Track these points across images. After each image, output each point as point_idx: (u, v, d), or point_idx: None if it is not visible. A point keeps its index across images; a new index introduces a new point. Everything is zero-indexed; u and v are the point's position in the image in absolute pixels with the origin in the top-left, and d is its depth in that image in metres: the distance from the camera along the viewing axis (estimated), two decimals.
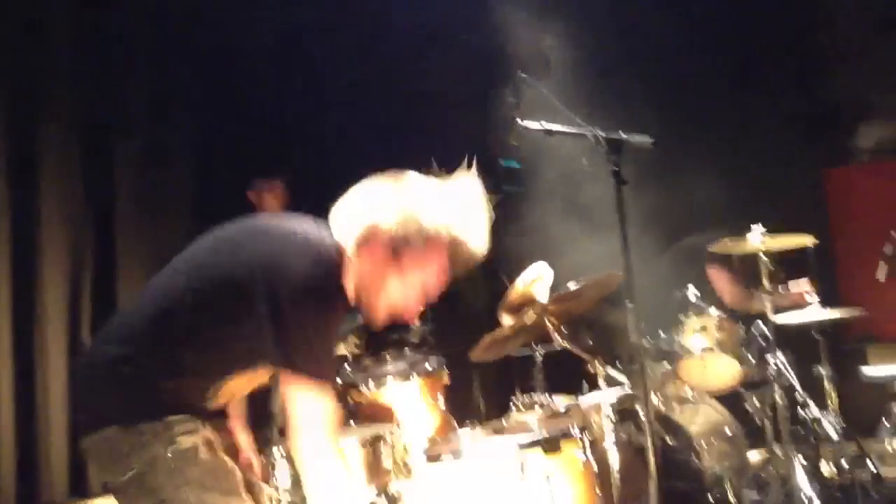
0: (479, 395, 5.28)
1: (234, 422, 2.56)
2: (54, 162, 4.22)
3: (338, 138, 5.93)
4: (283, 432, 3.54)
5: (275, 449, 3.12)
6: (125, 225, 4.58)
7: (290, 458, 3.08)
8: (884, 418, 4.78)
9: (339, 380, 3.67)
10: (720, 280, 4.95)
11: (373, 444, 3.17)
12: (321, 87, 5.89)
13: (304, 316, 1.90)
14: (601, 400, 3.20)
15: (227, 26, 5.23)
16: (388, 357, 3.83)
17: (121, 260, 4.52)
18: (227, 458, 2.08)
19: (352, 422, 3.53)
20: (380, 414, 3.52)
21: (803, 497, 3.70)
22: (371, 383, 3.58)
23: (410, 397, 3.55)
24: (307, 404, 1.92)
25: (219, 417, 2.19)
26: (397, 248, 2.03)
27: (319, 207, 2.32)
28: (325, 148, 5.87)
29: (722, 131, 6.23)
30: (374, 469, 3.16)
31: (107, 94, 4.64)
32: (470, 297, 5.89)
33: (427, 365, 3.67)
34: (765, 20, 6.52)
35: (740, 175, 5.93)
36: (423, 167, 2.40)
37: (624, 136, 2.86)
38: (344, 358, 3.94)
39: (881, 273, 4.30)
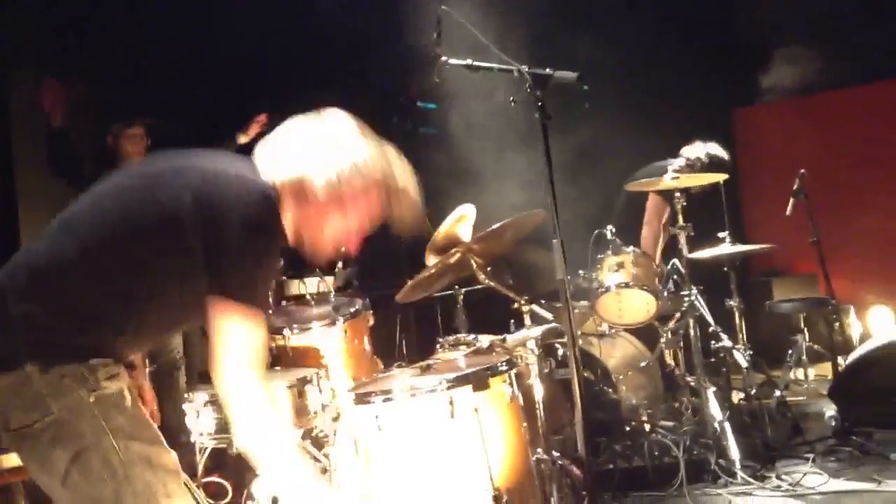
0: (403, 336, 5.30)
1: (139, 373, 2.47)
2: None
3: (235, 76, 5.72)
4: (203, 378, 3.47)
5: (197, 395, 3.06)
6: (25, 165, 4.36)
7: (215, 403, 3.03)
8: (789, 349, 5.05)
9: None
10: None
11: (299, 387, 3.15)
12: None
13: (248, 249, 1.87)
14: (527, 336, 3.24)
15: None
16: (311, 301, 3.78)
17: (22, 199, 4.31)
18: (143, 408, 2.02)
19: (277, 367, 3.47)
20: (305, 358, 3.48)
21: (715, 424, 3.86)
22: (295, 328, 3.52)
23: (336, 340, 3.51)
24: (238, 335, 1.87)
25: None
26: (333, 189, 2.04)
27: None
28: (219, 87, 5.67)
29: (638, 71, 6.32)
30: (301, 412, 3.15)
31: None
32: (393, 237, 5.85)
33: (352, 308, 3.63)
34: None
35: (654, 114, 6.04)
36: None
37: (549, 71, 2.85)
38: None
39: (791, 209, 4.46)
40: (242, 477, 3.18)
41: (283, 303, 3.95)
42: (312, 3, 5.89)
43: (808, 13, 6.36)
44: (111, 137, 4.57)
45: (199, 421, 3.08)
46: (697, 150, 4.87)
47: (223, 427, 3.04)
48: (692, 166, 4.75)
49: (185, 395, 3.17)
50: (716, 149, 4.88)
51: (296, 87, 5.79)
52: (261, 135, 2.53)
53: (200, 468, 3.14)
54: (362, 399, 2.79)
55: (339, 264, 4.00)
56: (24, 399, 1.83)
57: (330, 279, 4.37)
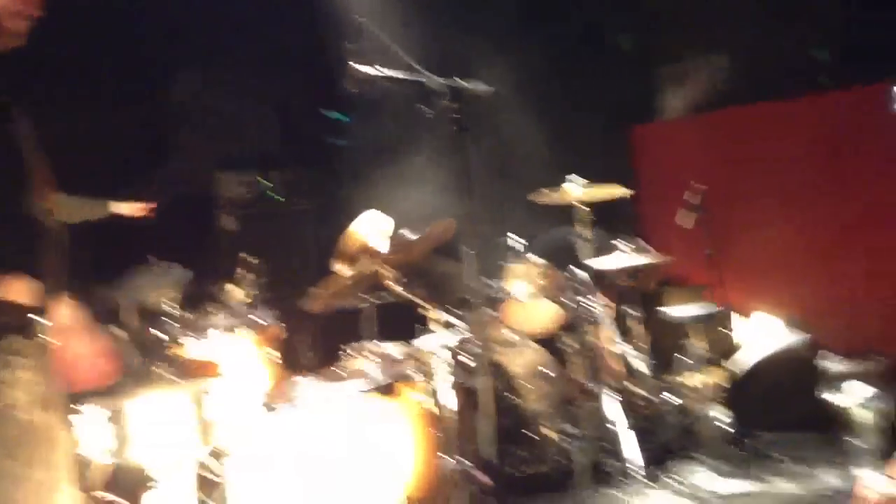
0: (311, 345, 5.24)
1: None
2: None
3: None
4: None
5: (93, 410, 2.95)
6: None
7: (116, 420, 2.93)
8: (683, 355, 5.24)
9: (162, 335, 3.51)
10: None
11: (199, 397, 3.08)
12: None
13: None
14: (437, 344, 3.27)
15: None
16: (212, 311, 3.70)
17: None
18: None
19: (175, 378, 3.38)
20: (204, 368, 3.40)
21: (615, 428, 3.99)
22: (196, 336, 3.44)
23: (240, 350, 3.45)
24: None
25: None
26: None
27: None
28: None
29: (542, 87, 6.47)
30: (202, 423, 3.07)
31: None
32: (303, 250, 5.80)
33: (258, 317, 3.57)
34: None
35: (558, 127, 6.19)
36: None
37: (464, 83, 2.90)
38: (165, 313, 3.77)
39: (681, 219, 4.65)
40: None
41: (184, 313, 3.84)
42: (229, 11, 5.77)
43: (704, 34, 6.66)
44: None
45: (95, 437, 2.96)
46: None
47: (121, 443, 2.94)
48: None
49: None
50: None
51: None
52: None
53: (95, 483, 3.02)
54: (270, 407, 2.76)
55: (248, 274, 3.92)
56: None
57: (234, 288, 4.29)
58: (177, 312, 3.81)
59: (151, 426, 2.89)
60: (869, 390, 4.32)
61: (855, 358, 4.82)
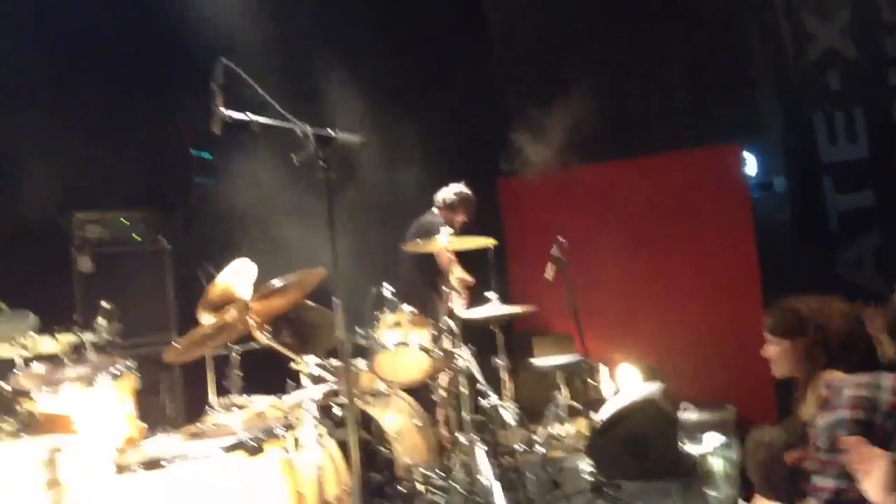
0: (171, 398, 5.00)
1: None
2: None
3: None
4: None
5: None
6: None
7: None
8: (549, 407, 5.36)
9: (8, 386, 3.25)
10: None
11: (50, 456, 2.86)
12: None
13: None
14: (305, 397, 3.19)
15: None
16: (66, 360, 3.47)
17: None
18: None
19: (23, 433, 3.13)
20: (56, 423, 3.16)
21: (483, 480, 4.00)
22: (47, 390, 3.21)
23: (94, 404, 3.23)
24: None
25: None
26: None
27: None
28: None
29: (415, 142, 6.57)
30: (52, 484, 2.85)
31: None
32: (162, 294, 5.56)
33: (113, 367, 3.37)
34: (452, 43, 7.05)
35: (429, 179, 6.27)
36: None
37: (333, 133, 2.89)
38: (13, 362, 3.51)
39: (549, 272, 4.79)
40: None
41: (33, 362, 3.57)
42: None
43: (563, 91, 6.98)
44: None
45: None
46: (445, 191, 5.61)
47: None
48: (449, 206, 5.52)
49: None
50: (460, 187, 5.65)
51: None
52: None
53: None
54: (125, 468, 2.59)
55: (102, 320, 3.70)
56: None
57: (88, 336, 4.04)
58: (27, 362, 3.55)
59: None
60: (720, 439, 4.56)
61: (708, 407, 5.08)
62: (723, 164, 6.57)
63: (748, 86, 7.59)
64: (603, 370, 5.98)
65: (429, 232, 4.99)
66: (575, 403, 5.59)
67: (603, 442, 4.65)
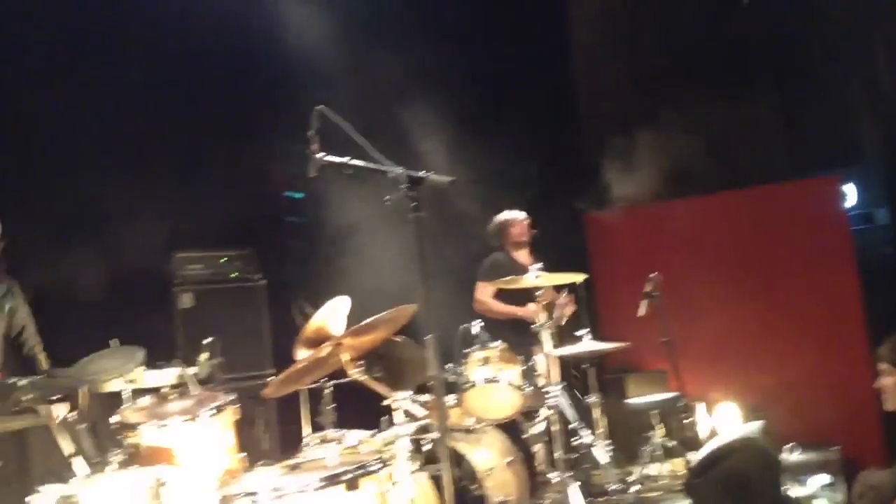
0: (266, 432, 5.12)
1: None
2: None
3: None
4: None
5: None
6: None
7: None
8: (644, 446, 5.26)
9: (115, 419, 3.40)
10: None
11: (156, 489, 2.97)
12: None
13: None
14: (398, 433, 3.22)
15: None
16: (170, 394, 3.61)
17: None
18: None
19: (130, 465, 3.27)
20: (161, 456, 3.28)
21: None
22: (153, 424, 3.34)
23: (197, 437, 3.34)
24: None
25: None
26: None
27: None
28: None
29: (495, 175, 6.62)
30: None
31: None
32: (258, 329, 5.73)
33: (215, 401, 3.48)
34: (537, 80, 7.12)
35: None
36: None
37: (424, 174, 2.95)
38: (120, 396, 3.67)
39: (643, 309, 4.72)
40: None
41: (139, 396, 3.73)
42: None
43: (651, 127, 6.92)
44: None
45: None
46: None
47: None
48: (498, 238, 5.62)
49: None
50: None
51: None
52: None
53: None
54: (228, 501, 2.67)
55: (204, 355, 3.84)
56: None
57: (191, 370, 4.20)
58: (134, 396, 3.71)
59: None
60: (825, 480, 4.36)
61: (811, 447, 4.87)
62: (820, 196, 6.38)
63: (845, 115, 7.35)
64: (700, 409, 5.82)
65: (499, 269, 5.09)
66: (671, 442, 5.45)
67: (701, 482, 4.50)
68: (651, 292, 4.74)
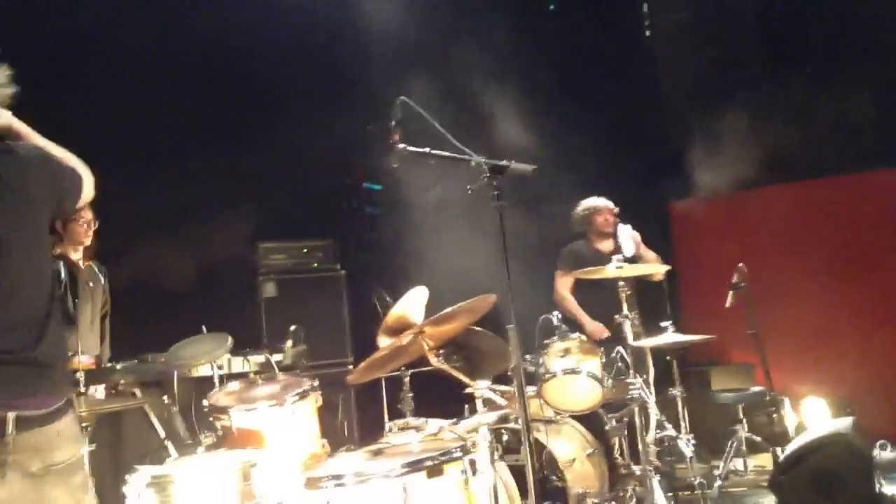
0: (346, 418, 5.22)
1: None
2: None
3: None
4: None
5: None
6: None
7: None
8: (729, 440, 5.14)
9: (207, 403, 3.51)
10: None
11: (245, 470, 3.06)
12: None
13: None
14: (480, 422, 3.23)
15: None
16: (258, 380, 3.71)
17: None
18: None
19: (220, 447, 3.37)
20: (250, 439, 3.38)
21: None
22: (241, 408, 3.44)
23: (283, 421, 3.43)
24: None
25: None
26: None
27: None
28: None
29: (576, 162, 6.55)
30: (246, 496, 3.04)
31: None
32: (338, 317, 5.84)
33: (300, 387, 3.56)
34: (619, 73, 7.00)
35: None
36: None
37: (507, 162, 2.94)
38: (211, 381, 3.80)
39: (730, 300, 4.60)
40: None
41: (229, 381, 3.85)
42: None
43: (740, 112, 6.72)
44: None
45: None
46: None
47: None
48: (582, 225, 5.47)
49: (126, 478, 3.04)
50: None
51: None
52: None
53: None
54: (313, 484, 2.73)
55: (289, 342, 3.93)
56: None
57: (276, 356, 4.31)
58: (222, 380, 3.83)
59: (196, 495, 2.88)
60: None
61: None
62: None
63: None
64: (787, 403, 5.66)
65: (577, 258, 5.07)
66: (756, 437, 5.32)
67: (788, 478, 4.37)
68: (738, 283, 4.60)
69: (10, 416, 2.04)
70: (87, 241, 4.49)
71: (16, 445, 2.04)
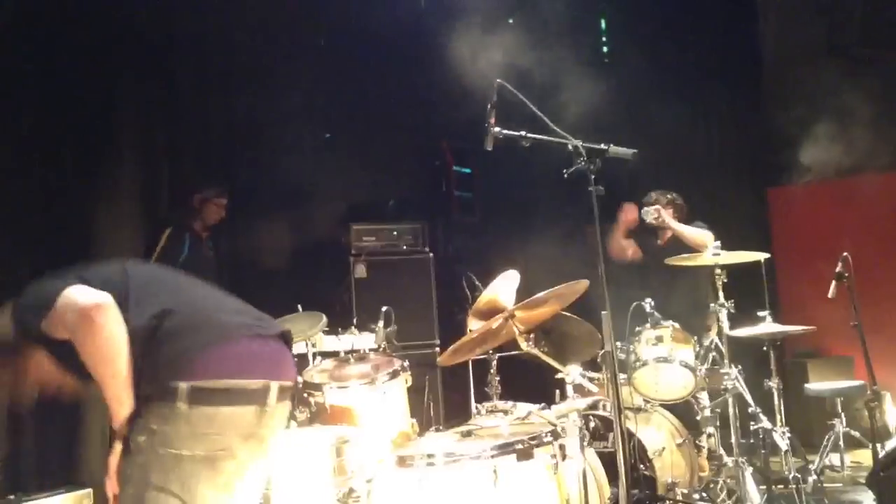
0: (433, 399, 5.28)
1: None
2: None
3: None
4: None
5: None
6: None
7: None
8: (826, 434, 4.98)
9: (301, 379, 3.61)
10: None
11: (339, 445, 3.13)
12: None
13: None
14: (571, 407, 3.22)
15: None
16: (350, 358, 3.79)
17: None
18: None
19: (314, 423, 3.47)
20: (342, 416, 3.47)
21: None
22: (334, 385, 3.52)
23: (374, 399, 3.50)
24: None
25: None
26: None
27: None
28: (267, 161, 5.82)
29: (673, 149, 6.41)
30: (339, 471, 3.11)
31: None
32: (427, 299, 5.91)
33: (391, 367, 3.62)
34: (717, 55, 6.80)
35: (689, 190, 6.08)
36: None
37: (606, 146, 2.90)
38: (305, 358, 3.90)
39: (833, 291, 4.42)
40: None
41: (322, 359, 3.95)
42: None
43: (843, 97, 6.44)
44: (199, 199, 5.12)
45: None
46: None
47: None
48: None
49: None
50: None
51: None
52: None
53: None
54: (404, 462, 2.77)
55: (380, 323, 4.00)
56: None
57: (366, 336, 4.39)
58: (314, 358, 3.93)
59: (291, 469, 2.97)
60: None
61: None
62: None
63: None
64: (889, 398, 5.43)
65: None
66: (855, 432, 5.13)
67: (889, 475, 4.20)
68: (842, 273, 4.41)
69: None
70: (215, 222, 5.10)
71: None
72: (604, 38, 6.84)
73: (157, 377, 2.07)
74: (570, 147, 2.91)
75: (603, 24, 6.97)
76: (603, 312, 2.82)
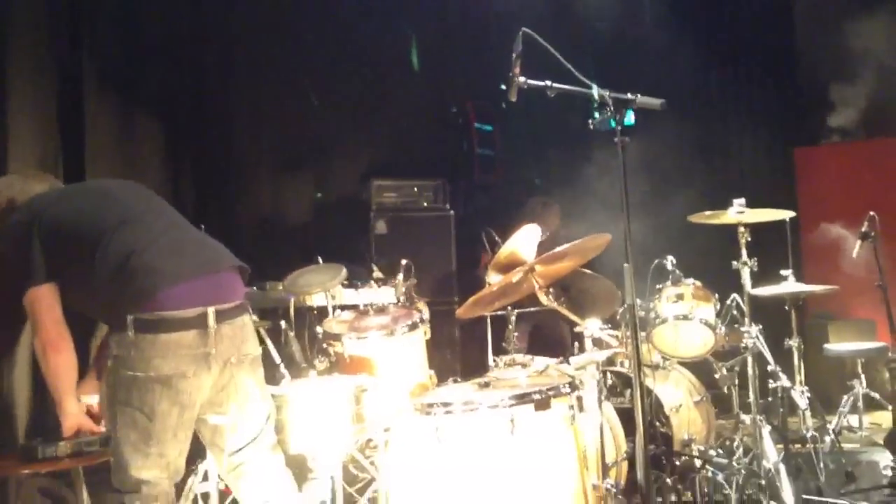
0: (451, 353, 5.31)
1: None
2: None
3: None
4: None
5: None
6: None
7: None
8: (845, 394, 4.96)
9: (321, 330, 3.64)
10: None
11: (357, 394, 3.16)
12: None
13: None
14: (590, 359, 3.22)
15: None
16: (370, 310, 3.80)
17: None
18: None
19: (334, 372, 3.50)
20: (361, 366, 3.49)
21: (769, 465, 3.78)
22: (354, 336, 3.54)
23: (393, 351, 3.52)
24: None
25: None
26: None
27: None
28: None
29: (701, 109, 6.32)
30: (357, 419, 3.14)
31: None
32: (446, 255, 5.91)
33: (410, 319, 3.63)
34: (750, 12, 6.67)
35: (716, 150, 6.02)
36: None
37: (633, 95, 2.85)
38: (325, 310, 3.92)
39: (857, 250, 4.36)
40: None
41: (342, 311, 3.96)
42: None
43: (872, 57, 6.31)
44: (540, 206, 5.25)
45: None
46: None
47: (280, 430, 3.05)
48: None
49: None
50: None
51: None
52: None
53: None
54: (424, 410, 2.79)
55: (400, 276, 4.00)
56: None
57: (386, 289, 4.40)
58: (334, 309, 3.95)
59: (310, 417, 3.00)
60: None
61: None
62: None
63: None
64: None
65: None
66: (874, 394, 5.10)
67: None
68: (867, 232, 4.35)
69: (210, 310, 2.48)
70: None
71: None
72: None
73: (117, 311, 2.44)
74: (595, 96, 2.86)
75: None
76: (625, 265, 2.79)
